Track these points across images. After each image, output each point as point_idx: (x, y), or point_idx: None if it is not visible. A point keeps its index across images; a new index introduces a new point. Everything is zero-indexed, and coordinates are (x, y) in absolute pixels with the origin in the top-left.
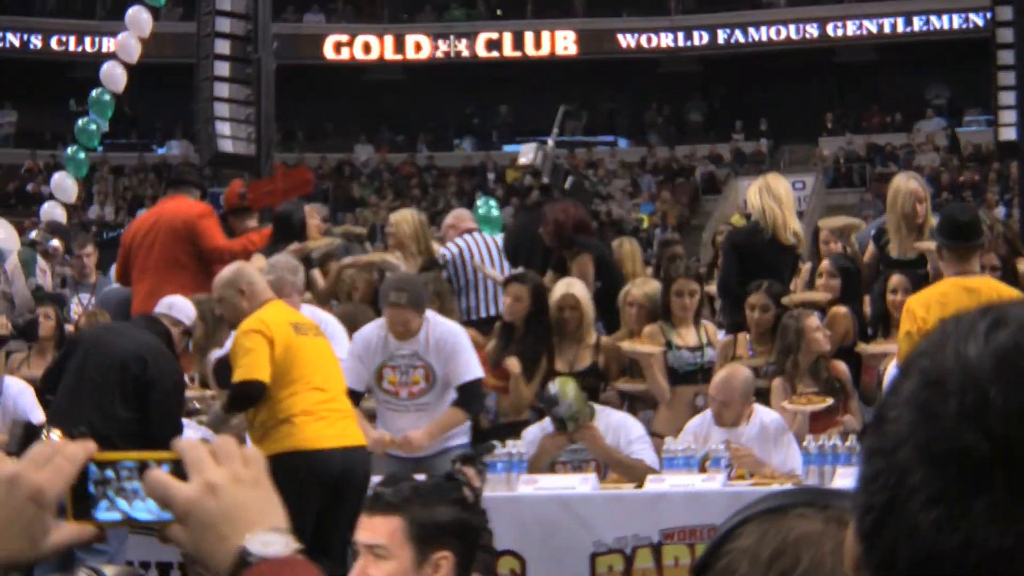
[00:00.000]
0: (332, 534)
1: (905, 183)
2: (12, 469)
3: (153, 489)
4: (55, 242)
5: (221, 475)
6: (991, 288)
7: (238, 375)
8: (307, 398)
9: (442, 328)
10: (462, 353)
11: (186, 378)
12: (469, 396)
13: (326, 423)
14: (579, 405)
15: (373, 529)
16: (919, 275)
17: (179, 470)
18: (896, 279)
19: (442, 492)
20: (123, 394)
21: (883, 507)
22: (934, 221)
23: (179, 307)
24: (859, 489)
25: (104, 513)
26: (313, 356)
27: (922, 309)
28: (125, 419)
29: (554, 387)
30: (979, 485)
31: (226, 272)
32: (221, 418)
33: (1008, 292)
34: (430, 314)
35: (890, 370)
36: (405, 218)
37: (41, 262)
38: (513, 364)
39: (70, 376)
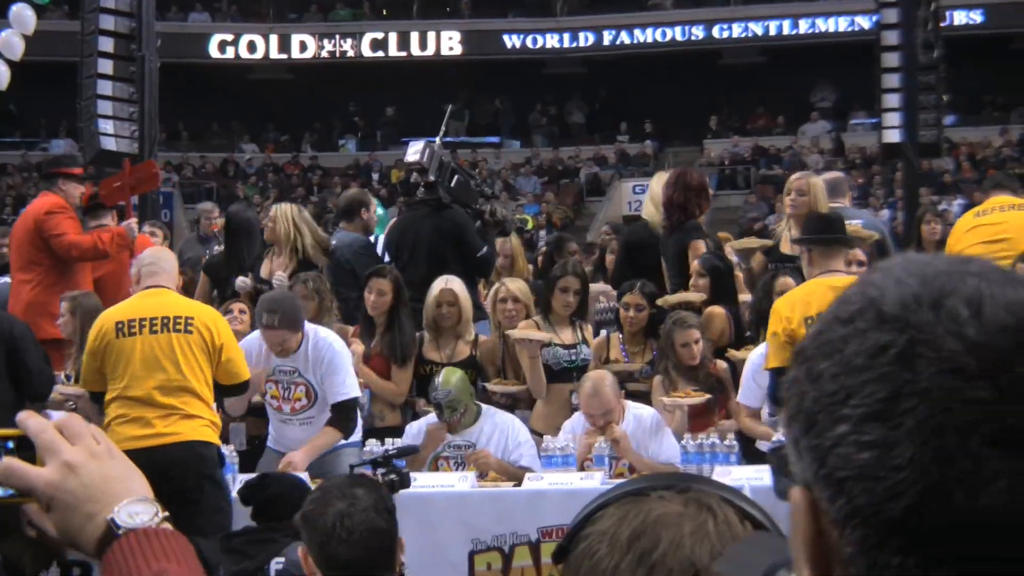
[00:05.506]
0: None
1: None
2: None
3: (11, 480)
4: None
5: (77, 453)
6: None
7: None
8: (123, 402)
9: (320, 344)
10: (338, 372)
11: (62, 376)
12: (343, 416)
13: (138, 425)
14: (459, 395)
15: None
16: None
17: (24, 446)
18: (783, 281)
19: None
20: None
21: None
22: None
23: None
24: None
25: None
26: (131, 356)
27: (787, 309)
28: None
29: (440, 376)
30: None
31: None
32: None
33: None
34: (310, 328)
35: (750, 360)
36: (284, 214)
37: None
38: (357, 347)
39: None
